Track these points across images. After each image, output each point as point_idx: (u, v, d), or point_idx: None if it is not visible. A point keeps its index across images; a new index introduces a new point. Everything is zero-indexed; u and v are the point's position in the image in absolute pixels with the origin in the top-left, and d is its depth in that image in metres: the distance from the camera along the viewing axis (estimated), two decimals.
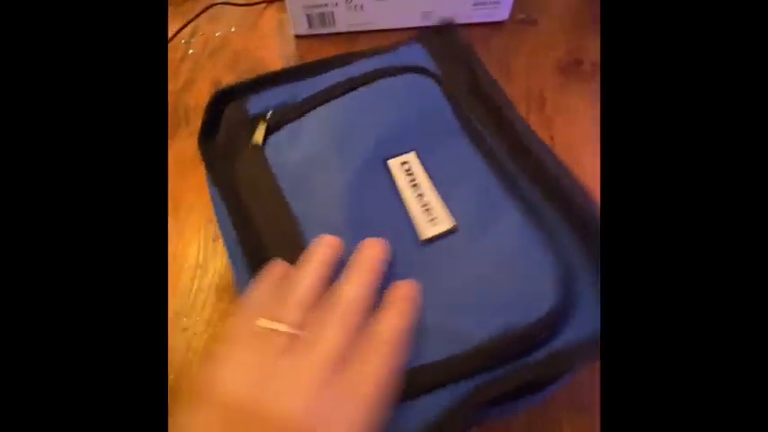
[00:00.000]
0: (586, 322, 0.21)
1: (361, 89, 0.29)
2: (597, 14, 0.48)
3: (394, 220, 0.24)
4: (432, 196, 0.25)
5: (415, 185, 0.25)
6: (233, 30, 0.47)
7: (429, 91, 0.29)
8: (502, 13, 0.46)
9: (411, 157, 0.26)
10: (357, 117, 0.28)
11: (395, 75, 0.30)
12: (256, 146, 0.28)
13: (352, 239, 0.23)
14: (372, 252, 0.22)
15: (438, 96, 0.29)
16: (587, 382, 0.29)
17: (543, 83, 0.43)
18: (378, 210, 0.25)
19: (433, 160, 0.26)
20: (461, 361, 0.20)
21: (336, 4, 0.42)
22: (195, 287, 0.31)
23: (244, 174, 0.27)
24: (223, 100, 0.30)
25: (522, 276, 0.22)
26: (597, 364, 0.23)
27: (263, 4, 0.48)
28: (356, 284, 0.20)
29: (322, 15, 0.43)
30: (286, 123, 0.29)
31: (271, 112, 0.29)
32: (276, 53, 0.44)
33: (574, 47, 0.46)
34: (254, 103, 0.30)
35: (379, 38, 0.45)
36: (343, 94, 0.29)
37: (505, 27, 0.47)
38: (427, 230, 0.24)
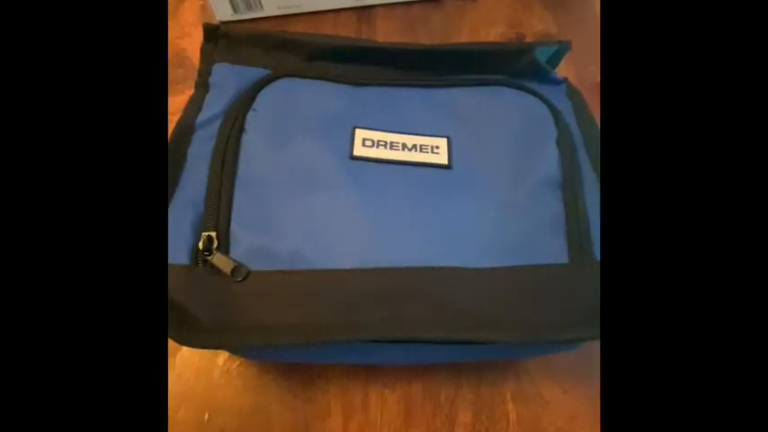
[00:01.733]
0: None
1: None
2: None
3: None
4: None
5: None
6: None
7: (541, 117, 0.27)
8: None
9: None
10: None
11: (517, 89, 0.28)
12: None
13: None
14: None
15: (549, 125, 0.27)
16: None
17: None
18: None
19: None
20: None
21: None
22: None
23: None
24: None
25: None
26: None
27: None
28: None
29: None
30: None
31: None
32: (199, 42, 0.41)
33: (515, 21, 0.44)
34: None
35: (314, 21, 0.43)
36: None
37: (444, 4, 0.45)
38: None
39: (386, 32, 0.43)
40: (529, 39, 0.43)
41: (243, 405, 0.26)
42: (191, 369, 0.27)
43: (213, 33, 0.29)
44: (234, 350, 0.25)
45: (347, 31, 0.43)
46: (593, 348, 0.29)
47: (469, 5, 0.45)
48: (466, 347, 0.23)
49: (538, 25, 0.44)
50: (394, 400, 0.27)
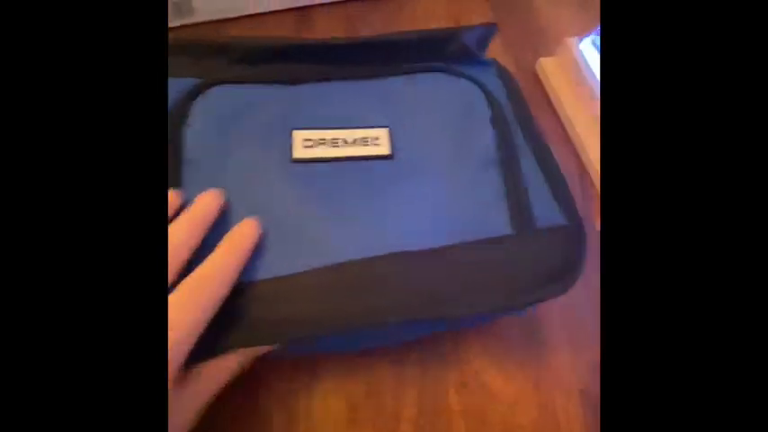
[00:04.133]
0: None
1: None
2: None
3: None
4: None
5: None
6: None
7: (474, 97, 0.29)
8: None
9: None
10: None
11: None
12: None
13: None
14: (204, 201, 0.22)
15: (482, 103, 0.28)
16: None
17: None
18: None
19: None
20: None
21: None
22: None
23: None
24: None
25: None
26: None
27: None
28: (178, 232, 0.21)
29: (177, 4, 0.39)
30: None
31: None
32: None
33: (454, 15, 0.45)
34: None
35: (251, 24, 0.42)
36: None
37: (383, 2, 0.45)
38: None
39: (326, 33, 0.42)
40: None
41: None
42: None
43: None
44: None
45: (286, 32, 0.42)
46: (531, 330, 0.29)
47: (407, 2, 0.45)
48: (429, 324, 0.25)
49: (476, 19, 0.44)
50: (338, 403, 0.26)
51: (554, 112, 0.38)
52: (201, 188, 0.23)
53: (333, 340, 0.24)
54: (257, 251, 0.22)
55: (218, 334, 0.20)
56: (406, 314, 0.21)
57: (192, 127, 0.25)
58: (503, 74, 0.31)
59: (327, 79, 0.28)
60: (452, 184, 0.25)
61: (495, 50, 0.42)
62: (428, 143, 0.26)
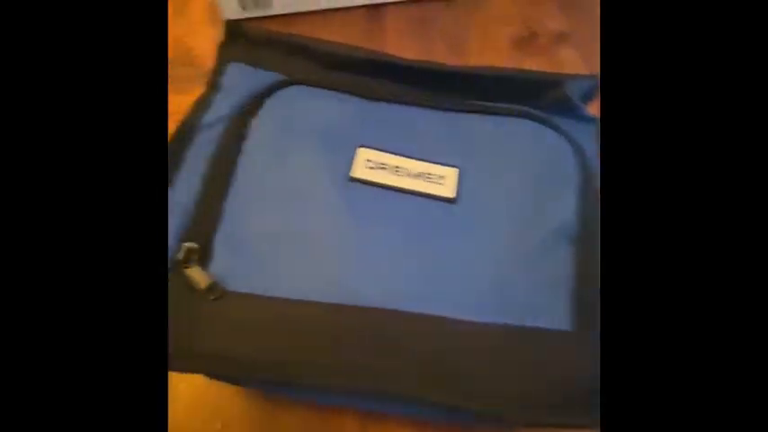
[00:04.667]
0: None
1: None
2: None
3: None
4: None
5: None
6: None
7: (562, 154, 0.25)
8: None
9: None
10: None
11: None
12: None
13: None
14: None
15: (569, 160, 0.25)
16: None
17: (499, 59, 0.40)
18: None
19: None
20: None
21: None
22: None
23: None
24: None
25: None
26: None
27: None
28: None
29: None
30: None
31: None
32: (207, 40, 0.40)
33: (527, 19, 0.43)
34: None
35: (323, 19, 0.42)
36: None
37: (455, 3, 0.44)
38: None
39: (395, 31, 0.42)
40: (542, 38, 0.42)
41: (255, 416, 0.26)
42: (201, 377, 0.27)
43: (235, 31, 0.28)
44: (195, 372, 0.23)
45: (356, 29, 0.42)
46: None
47: (481, 5, 0.44)
48: (443, 410, 0.20)
49: (550, 24, 0.43)
50: None
51: None
52: (253, 181, 0.22)
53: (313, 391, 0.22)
54: (269, 257, 0.21)
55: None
56: (415, 391, 0.18)
57: (262, 119, 0.25)
58: None
59: (409, 103, 0.26)
60: (514, 249, 0.22)
61: (569, 59, 0.41)
62: (499, 196, 0.23)
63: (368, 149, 0.24)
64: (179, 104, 0.37)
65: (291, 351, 0.19)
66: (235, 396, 0.26)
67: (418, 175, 0.24)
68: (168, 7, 0.42)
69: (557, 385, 0.19)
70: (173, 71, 0.37)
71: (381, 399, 0.21)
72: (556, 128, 0.26)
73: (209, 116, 0.25)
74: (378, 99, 0.26)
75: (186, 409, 0.26)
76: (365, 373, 0.19)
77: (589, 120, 0.27)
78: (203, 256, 0.21)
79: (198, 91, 0.38)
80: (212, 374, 0.22)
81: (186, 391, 0.26)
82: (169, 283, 0.20)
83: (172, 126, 0.34)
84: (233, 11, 0.40)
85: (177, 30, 0.41)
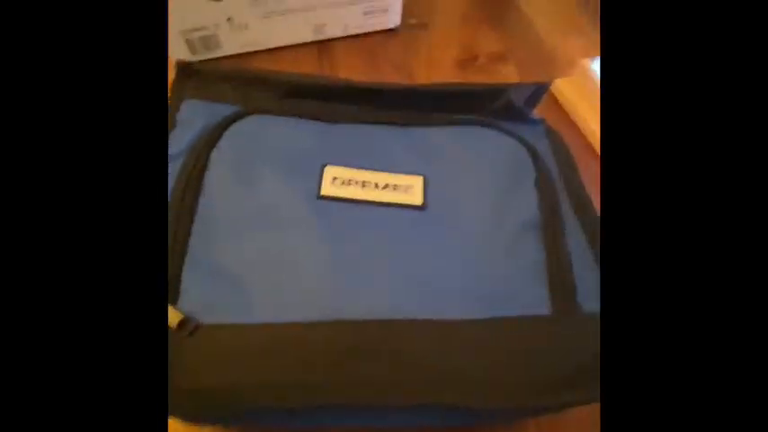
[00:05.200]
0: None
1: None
2: (484, 12, 0.50)
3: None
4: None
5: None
6: None
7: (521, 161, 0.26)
8: (393, 19, 0.46)
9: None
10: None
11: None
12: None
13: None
14: None
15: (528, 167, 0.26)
16: None
17: (444, 80, 0.43)
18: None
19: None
20: None
21: (218, 26, 0.39)
22: None
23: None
24: None
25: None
26: None
27: None
28: None
29: (205, 39, 0.40)
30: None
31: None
32: None
33: (467, 43, 0.47)
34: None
35: (274, 57, 0.43)
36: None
37: (399, 33, 0.47)
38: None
39: (347, 65, 0.44)
40: (482, 59, 0.45)
41: None
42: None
43: (186, 70, 0.28)
44: (174, 415, 0.21)
45: (309, 65, 0.43)
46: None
47: (422, 33, 0.47)
48: (440, 412, 0.21)
49: (488, 47, 0.46)
50: None
51: (576, 128, 0.40)
52: (219, 211, 0.22)
53: (312, 414, 0.21)
54: (245, 284, 0.20)
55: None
56: (411, 395, 0.18)
57: (221, 150, 0.25)
58: (551, 134, 0.29)
59: (367, 122, 0.27)
60: (487, 246, 0.22)
61: (509, 76, 0.44)
62: (465, 199, 0.24)
63: (333, 167, 0.25)
64: None
65: (283, 373, 0.18)
66: None
67: (385, 187, 0.24)
68: None
69: (546, 368, 0.19)
70: None
71: (379, 411, 0.20)
72: (508, 131, 0.27)
73: (171, 151, 0.25)
74: (336, 121, 0.27)
75: None
76: (361, 385, 0.18)
77: (536, 122, 0.30)
78: (173, 293, 0.20)
79: None
80: (198, 412, 0.20)
81: None
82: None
83: None
84: (183, 55, 0.40)
85: None
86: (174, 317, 0.19)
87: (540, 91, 0.30)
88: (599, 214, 0.25)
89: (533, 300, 0.21)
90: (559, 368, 0.19)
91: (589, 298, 0.21)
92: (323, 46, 0.45)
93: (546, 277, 0.22)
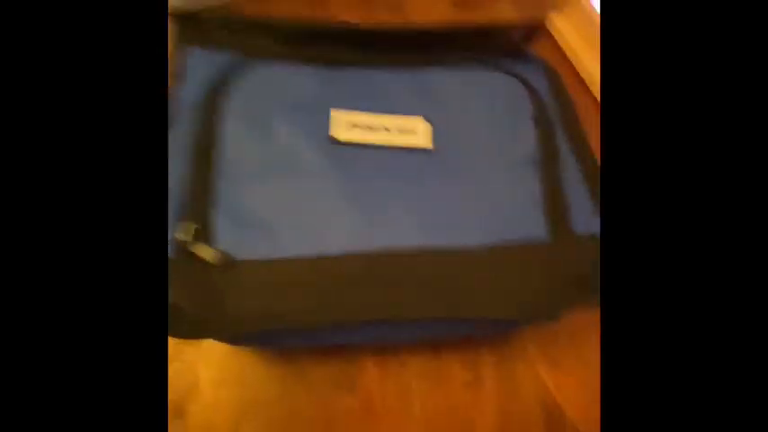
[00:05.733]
0: None
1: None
2: None
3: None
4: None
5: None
6: None
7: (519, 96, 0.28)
8: None
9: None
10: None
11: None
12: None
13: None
14: None
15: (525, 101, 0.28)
16: None
17: (440, 17, 0.42)
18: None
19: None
20: None
21: None
22: None
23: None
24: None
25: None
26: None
27: None
28: None
29: None
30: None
31: None
32: None
33: None
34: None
35: (264, 1, 0.42)
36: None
37: None
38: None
39: (339, 3, 0.43)
40: None
41: (281, 373, 0.27)
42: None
43: (186, 19, 0.28)
44: (222, 338, 0.25)
45: (301, 6, 0.42)
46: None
47: None
48: (456, 323, 0.24)
49: None
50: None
51: (571, 66, 0.40)
52: (239, 157, 0.24)
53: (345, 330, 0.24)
54: (273, 224, 0.22)
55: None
56: (425, 310, 0.21)
57: (232, 98, 0.25)
58: (549, 73, 0.30)
59: (370, 66, 0.28)
60: (489, 181, 0.25)
61: (504, 11, 0.44)
62: (468, 138, 0.26)
63: (341, 111, 0.26)
64: None
65: (318, 297, 0.21)
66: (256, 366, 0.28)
67: (394, 130, 0.26)
68: None
69: (547, 282, 0.22)
70: None
71: (398, 326, 0.24)
72: (508, 71, 0.29)
73: (181, 104, 0.26)
74: (340, 65, 0.28)
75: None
76: (386, 305, 0.21)
77: (535, 61, 0.31)
78: (207, 235, 0.22)
79: None
80: (244, 335, 0.23)
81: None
82: (180, 263, 0.21)
83: None
84: (176, 2, 0.39)
85: None
86: (211, 255, 0.21)
87: (534, 28, 0.31)
88: (593, 149, 0.27)
89: (534, 228, 0.24)
90: (561, 281, 0.23)
91: (582, 223, 0.24)
92: None
93: (544, 207, 0.24)
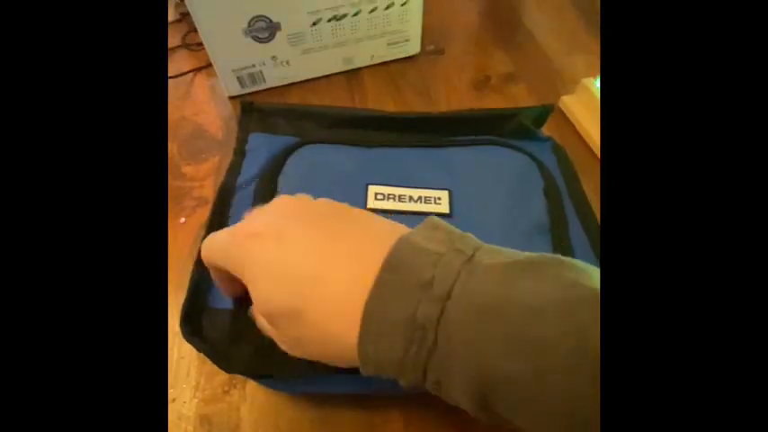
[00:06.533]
0: None
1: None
2: (496, 36, 0.55)
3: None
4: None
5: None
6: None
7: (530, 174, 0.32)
8: (413, 47, 0.51)
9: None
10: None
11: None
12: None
13: None
14: None
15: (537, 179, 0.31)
16: None
17: (462, 101, 0.48)
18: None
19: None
20: None
21: (264, 64, 0.45)
22: (176, 356, 0.31)
23: None
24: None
25: None
26: None
27: (191, 74, 0.51)
28: None
29: (252, 75, 0.46)
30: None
31: None
32: (214, 116, 0.46)
33: (480, 66, 0.52)
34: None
35: (310, 87, 0.49)
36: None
37: (418, 59, 0.52)
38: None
39: (373, 89, 0.49)
40: (495, 80, 0.50)
41: (309, 417, 0.29)
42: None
43: (249, 107, 0.34)
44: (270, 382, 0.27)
45: (340, 92, 0.49)
46: None
47: (439, 58, 0.53)
48: None
49: (500, 68, 0.51)
50: None
51: (582, 140, 0.44)
52: None
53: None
54: None
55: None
56: None
57: (286, 174, 0.31)
58: (557, 150, 0.35)
59: (399, 145, 0.33)
60: (504, 244, 0.27)
61: (520, 94, 0.49)
62: (484, 206, 0.29)
63: (375, 186, 0.30)
64: (201, 171, 0.43)
65: None
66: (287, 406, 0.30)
67: (418, 199, 0.30)
68: (177, 93, 0.49)
69: None
70: (189, 145, 0.43)
71: None
72: (519, 149, 0.33)
73: (242, 178, 0.31)
74: (374, 146, 0.33)
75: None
76: None
77: (544, 139, 0.35)
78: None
79: (213, 158, 0.44)
80: (291, 380, 0.25)
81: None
82: (238, 318, 0.25)
83: (205, 192, 0.39)
84: (234, 89, 0.46)
85: (186, 110, 0.47)
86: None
87: (545, 112, 0.35)
88: (599, 219, 0.30)
89: None
90: None
91: None
92: (351, 74, 0.50)
93: None
